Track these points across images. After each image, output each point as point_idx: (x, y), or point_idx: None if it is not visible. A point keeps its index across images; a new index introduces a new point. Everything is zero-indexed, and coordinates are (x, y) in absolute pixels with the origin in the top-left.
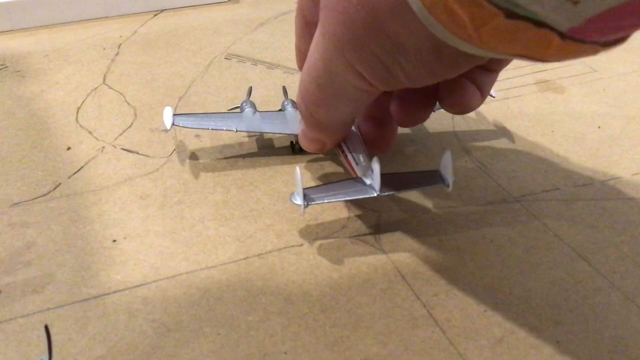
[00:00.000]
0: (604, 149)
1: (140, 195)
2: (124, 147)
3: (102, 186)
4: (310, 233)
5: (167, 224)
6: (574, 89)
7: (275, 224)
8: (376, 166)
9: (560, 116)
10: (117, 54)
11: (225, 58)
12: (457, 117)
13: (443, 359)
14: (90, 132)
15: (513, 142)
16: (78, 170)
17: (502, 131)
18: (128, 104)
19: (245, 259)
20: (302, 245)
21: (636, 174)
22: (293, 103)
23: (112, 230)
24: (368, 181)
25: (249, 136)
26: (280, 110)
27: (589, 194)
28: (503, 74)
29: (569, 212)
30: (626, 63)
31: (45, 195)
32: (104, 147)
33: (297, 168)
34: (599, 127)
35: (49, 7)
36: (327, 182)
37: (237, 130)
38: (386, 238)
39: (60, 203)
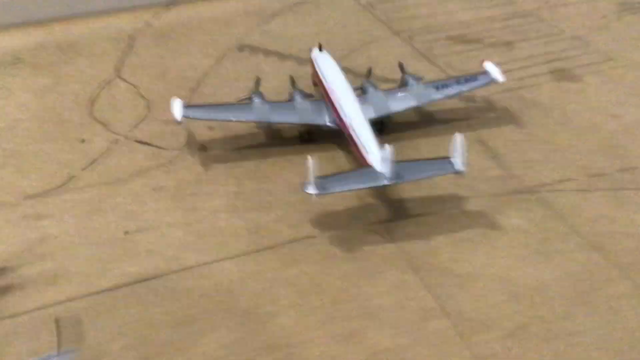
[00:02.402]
0: (619, 138)
1: (154, 187)
2: (138, 139)
3: (116, 178)
4: (323, 224)
5: (180, 216)
6: (589, 78)
7: (288, 215)
8: (387, 154)
9: (575, 105)
10: (131, 46)
11: (238, 49)
12: (471, 106)
13: (453, 353)
14: (104, 125)
15: (528, 131)
16: (92, 163)
17: (516, 121)
18: (142, 96)
19: (257, 251)
20: (314, 236)
21: None
22: (301, 92)
23: (126, 223)
24: (379, 169)
25: (259, 127)
26: (288, 100)
27: (604, 184)
28: (518, 63)
29: (584, 202)
30: None
31: (59, 187)
32: (117, 139)
33: (309, 158)
34: (614, 116)
35: (62, 0)
36: (339, 171)
37: (246, 121)
38: (398, 229)
39: (74, 195)
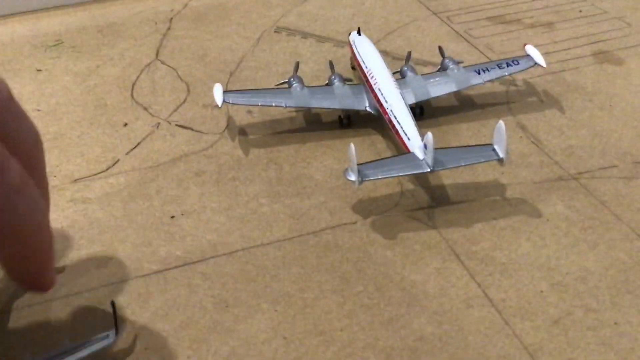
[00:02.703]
0: None
1: (196, 171)
2: (179, 123)
3: (159, 162)
4: (364, 210)
5: (223, 200)
6: (633, 60)
7: (329, 201)
8: (430, 141)
9: (619, 89)
10: (169, 28)
11: (275, 31)
12: (512, 90)
13: (499, 339)
14: (145, 109)
15: (569, 116)
16: (135, 147)
17: (558, 105)
18: (181, 79)
19: (299, 236)
20: (355, 222)
21: None
22: (340, 77)
23: (170, 207)
24: (421, 156)
25: (297, 111)
26: (327, 84)
27: None
28: (559, 45)
29: (627, 190)
30: None
31: (104, 171)
32: (159, 123)
33: (352, 145)
34: None
35: None
36: (380, 158)
37: (286, 106)
38: (439, 216)
39: (120, 179)
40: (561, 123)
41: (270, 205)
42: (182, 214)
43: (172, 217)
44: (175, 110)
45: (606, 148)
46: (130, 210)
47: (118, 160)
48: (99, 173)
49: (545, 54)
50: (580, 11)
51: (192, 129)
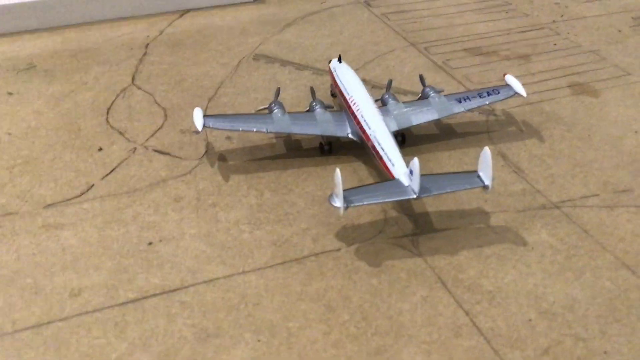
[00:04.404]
0: None
1: (174, 197)
2: (156, 149)
3: (135, 188)
4: (347, 237)
5: (202, 226)
6: (608, 92)
7: (311, 227)
8: (416, 167)
9: (596, 121)
10: (145, 54)
11: (254, 59)
12: (491, 119)
13: None
14: (121, 133)
15: (549, 146)
16: (111, 172)
17: (537, 135)
18: (158, 104)
19: (282, 263)
20: (339, 249)
21: None
22: (321, 103)
23: (148, 233)
24: (406, 182)
25: (278, 137)
26: (308, 110)
27: (629, 200)
28: (536, 77)
29: (609, 219)
30: None
31: (78, 196)
32: (135, 148)
33: (337, 170)
34: (636, 132)
35: (76, 6)
36: (364, 184)
37: (267, 132)
38: (424, 243)
39: (94, 205)
40: (541, 152)
41: (252, 232)
42: (160, 241)
43: (150, 243)
44: (152, 136)
45: (587, 177)
46: (106, 237)
47: (93, 185)
48: (73, 198)
49: (522, 85)
50: (555, 44)
51: (169, 155)
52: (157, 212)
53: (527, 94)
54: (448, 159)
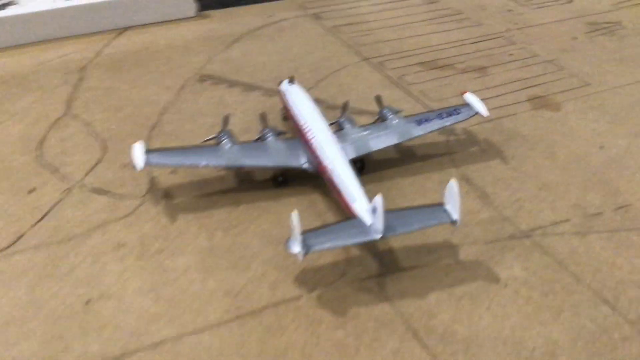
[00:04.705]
0: (609, 172)
1: (115, 244)
2: (94, 187)
3: (70, 235)
4: (308, 282)
5: (147, 278)
6: (569, 105)
7: (268, 273)
8: (379, 206)
9: (558, 136)
10: (81, 78)
11: (199, 80)
12: (452, 139)
13: None
14: (54, 171)
15: (514, 167)
16: (43, 217)
17: (500, 155)
18: (96, 136)
19: (237, 318)
20: (300, 297)
21: None
22: (273, 131)
23: (85, 289)
24: (369, 221)
25: (228, 169)
26: (259, 139)
27: (601, 224)
28: (494, 91)
29: (583, 247)
30: (618, 76)
31: (6, 248)
32: (70, 188)
33: (295, 212)
34: (602, 147)
35: (1, 28)
36: (324, 225)
37: (216, 167)
38: (391, 285)
39: (24, 258)
40: (506, 175)
41: (203, 282)
42: (99, 298)
43: (88, 301)
44: (89, 172)
45: (555, 201)
46: (37, 296)
47: (22, 234)
48: (0, 251)
49: (482, 101)
50: (511, 54)
51: (109, 193)
52: (95, 263)
53: (487, 110)
54: (410, 186)
